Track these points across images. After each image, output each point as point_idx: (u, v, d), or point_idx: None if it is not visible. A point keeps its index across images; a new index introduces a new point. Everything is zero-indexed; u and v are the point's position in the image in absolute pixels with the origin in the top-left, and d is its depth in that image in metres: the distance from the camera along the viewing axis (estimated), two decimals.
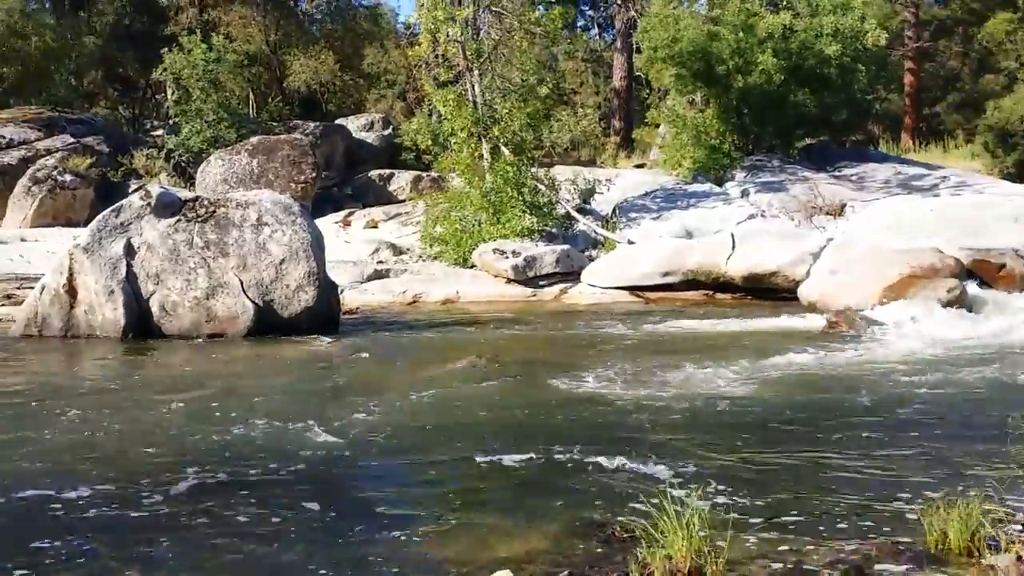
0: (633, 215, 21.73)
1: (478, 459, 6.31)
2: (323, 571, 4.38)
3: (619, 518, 4.96)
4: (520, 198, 20.04)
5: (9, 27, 31.29)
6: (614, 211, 21.93)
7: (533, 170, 21.12)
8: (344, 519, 5.23)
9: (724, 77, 24.25)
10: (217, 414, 7.87)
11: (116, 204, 13.58)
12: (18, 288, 17.09)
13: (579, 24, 41.88)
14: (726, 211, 21.36)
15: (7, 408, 8.26)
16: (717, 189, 23.29)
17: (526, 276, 18.19)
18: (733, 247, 17.52)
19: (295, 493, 5.69)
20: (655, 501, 4.55)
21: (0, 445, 6.89)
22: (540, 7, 22.34)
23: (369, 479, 6.17)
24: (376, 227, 24.50)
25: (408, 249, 21.62)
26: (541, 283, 18.28)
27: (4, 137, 26.90)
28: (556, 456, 6.34)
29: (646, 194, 23.12)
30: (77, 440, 7.05)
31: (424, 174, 27.93)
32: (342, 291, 15.38)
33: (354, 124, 32.70)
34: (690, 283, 17.63)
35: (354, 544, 4.79)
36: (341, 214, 25.80)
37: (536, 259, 18.39)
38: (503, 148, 20.74)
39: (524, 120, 20.72)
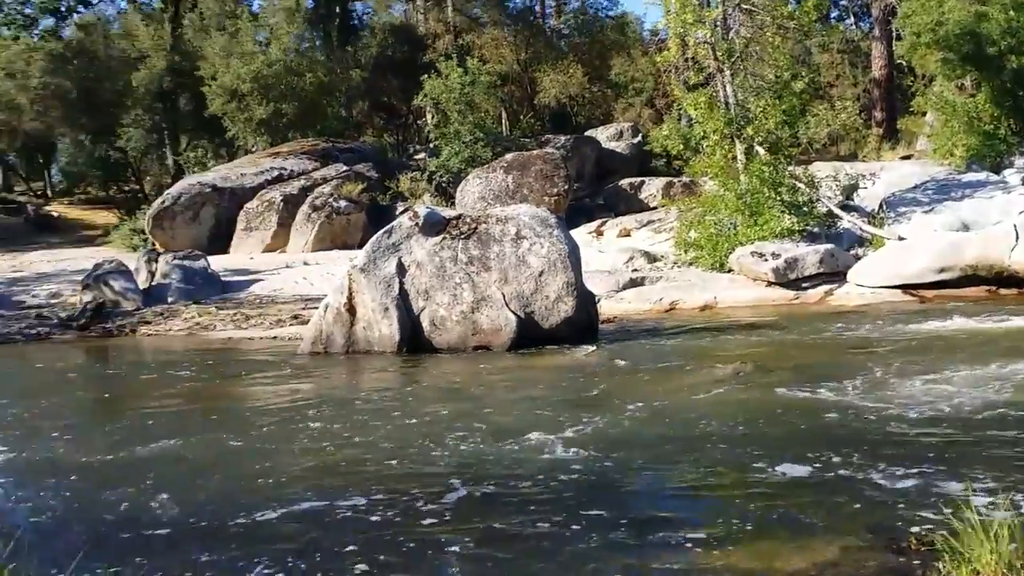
0: (902, 209, 20.45)
1: (755, 468, 6.13)
2: None
3: (913, 529, 4.65)
4: (777, 198, 19.37)
5: (287, 66, 33.94)
6: (880, 206, 20.74)
7: (790, 169, 20.36)
8: (630, 529, 5.21)
9: (996, 58, 22.42)
10: (484, 425, 8.12)
11: (387, 226, 14.35)
12: (303, 308, 18.46)
13: (833, 15, 40.19)
14: (1006, 200, 19.67)
15: (296, 418, 8.91)
16: (994, 177, 21.50)
17: (787, 278, 17.55)
18: (1017, 238, 16.13)
19: (571, 503, 5.74)
20: (952, 512, 4.23)
21: (287, 453, 7.44)
22: (792, 0, 21.46)
23: (647, 489, 6.14)
24: (629, 235, 24.51)
25: (662, 256, 21.47)
26: (804, 285, 17.57)
27: (286, 169, 29.22)
28: (836, 465, 6.06)
29: (915, 187, 21.71)
30: (354, 450, 7.49)
31: (675, 180, 27.68)
32: (598, 301, 15.48)
33: (603, 134, 32.97)
34: (969, 279, 16.40)
35: (647, 554, 4.76)
36: (594, 224, 26.02)
37: (798, 260, 17.71)
38: (758, 148, 20.15)
39: (779, 118, 20.02)
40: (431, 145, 32.04)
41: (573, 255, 13.47)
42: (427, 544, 5.15)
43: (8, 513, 6.20)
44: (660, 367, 11.21)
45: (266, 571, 4.86)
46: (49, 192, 44.64)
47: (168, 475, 6.93)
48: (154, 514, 5.97)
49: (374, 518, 5.67)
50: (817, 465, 6.08)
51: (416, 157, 32.76)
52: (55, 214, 38.42)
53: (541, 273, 13.15)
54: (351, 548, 5.14)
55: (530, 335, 12.95)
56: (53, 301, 21.42)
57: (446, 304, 13.20)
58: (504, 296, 13.10)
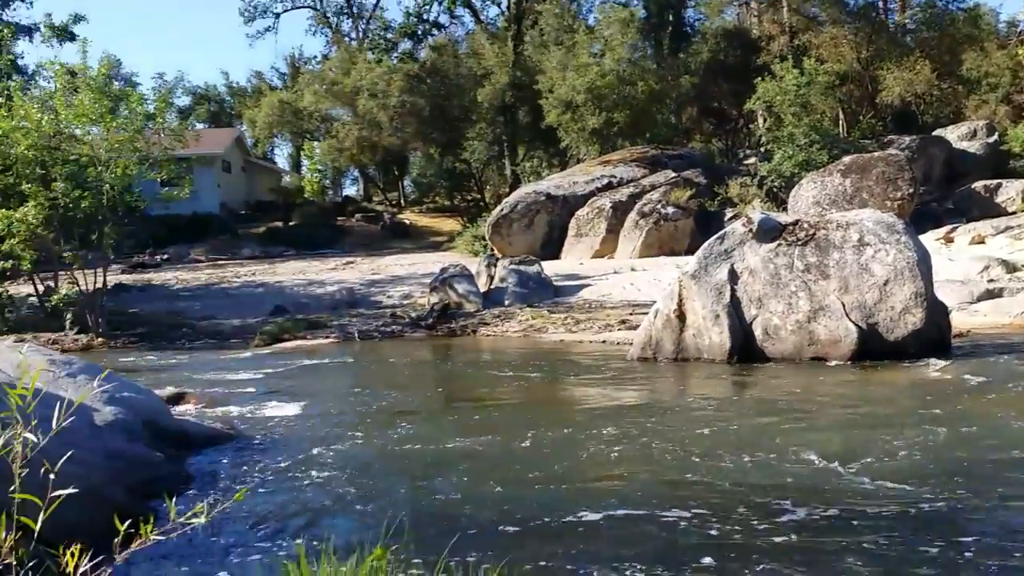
0: None
1: None
2: None
3: None
4: None
5: (619, 76, 34.47)
6: None
7: None
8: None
9: None
10: (815, 443, 7.67)
11: (719, 232, 14.07)
12: (631, 314, 18.59)
13: None
14: None
15: (623, 422, 8.90)
16: None
17: None
18: None
19: (931, 529, 5.26)
20: None
21: (612, 455, 7.41)
22: None
23: (990, 529, 5.48)
24: (983, 243, 22.43)
25: (1023, 265, 19.41)
26: None
27: (615, 176, 29.66)
28: None
29: None
30: (679, 456, 7.33)
31: None
32: (948, 313, 14.22)
33: (953, 134, 30.48)
34: None
35: None
36: (942, 230, 24.09)
37: None
38: None
39: None
40: (762, 149, 31.20)
41: (923, 263, 12.48)
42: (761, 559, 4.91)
43: (375, 499, 6.67)
44: (1021, 389, 10.05)
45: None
46: (402, 201, 48.46)
47: (500, 467, 7.17)
48: (492, 506, 6.18)
49: (704, 530, 5.50)
50: None
51: (746, 162, 32.04)
52: (407, 222, 41.60)
53: (886, 282, 12.29)
54: (692, 556, 5.01)
55: (872, 348, 12.14)
56: (405, 302, 23.15)
57: (780, 313, 12.70)
58: (844, 306, 12.39)
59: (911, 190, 24.29)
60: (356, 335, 19.24)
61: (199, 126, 49.89)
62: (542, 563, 5.08)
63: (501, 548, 5.14)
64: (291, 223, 40.66)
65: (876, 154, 25.80)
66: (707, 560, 5.05)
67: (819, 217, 14.11)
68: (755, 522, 5.64)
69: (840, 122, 32.88)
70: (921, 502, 5.89)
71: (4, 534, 3.19)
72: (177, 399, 11.16)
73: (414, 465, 7.59)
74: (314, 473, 7.49)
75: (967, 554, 4.95)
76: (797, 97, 28.12)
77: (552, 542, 5.47)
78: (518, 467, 7.34)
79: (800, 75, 28.17)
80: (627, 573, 4.90)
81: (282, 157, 63.70)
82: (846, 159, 25.62)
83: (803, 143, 27.66)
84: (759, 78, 29.14)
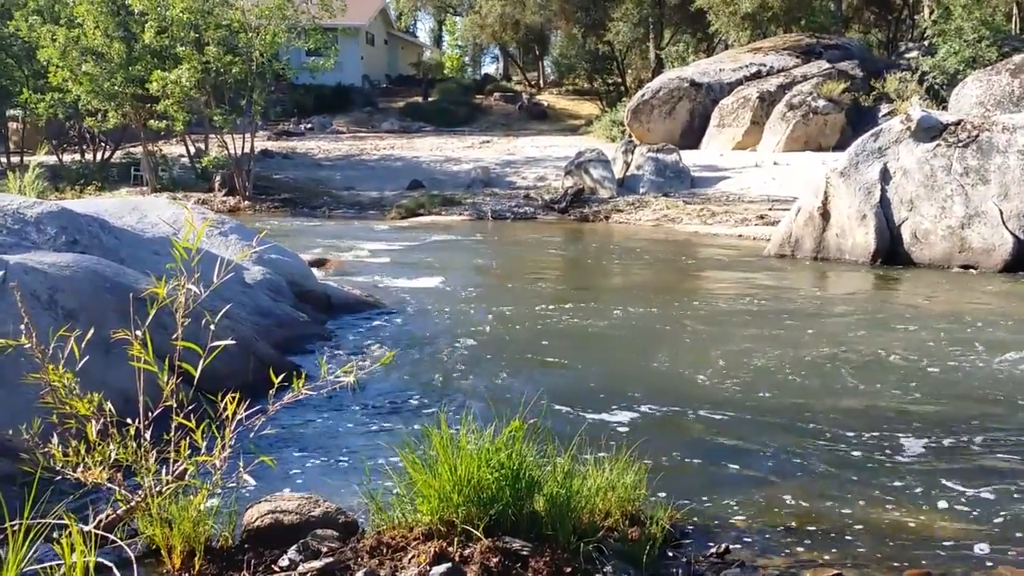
0: None
1: None
2: None
3: None
4: None
5: None
6: None
7: None
8: None
9: None
10: (969, 351, 7.39)
11: (875, 129, 13.43)
12: (769, 209, 18.09)
13: None
14: None
15: (770, 316, 8.75)
16: None
17: None
18: None
19: None
20: None
21: (745, 360, 7.31)
22: None
23: None
24: None
25: None
26: None
27: (765, 65, 28.47)
28: None
29: None
30: (820, 360, 7.18)
31: None
32: None
33: None
34: None
35: None
36: None
37: None
38: None
39: None
40: (926, 43, 29.33)
41: None
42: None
43: (511, 373, 6.80)
44: None
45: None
46: (541, 82, 47.85)
47: (633, 353, 7.19)
48: (624, 390, 6.22)
49: (839, 442, 5.42)
50: None
51: (907, 56, 30.18)
52: (545, 103, 41.15)
53: None
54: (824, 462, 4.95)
55: None
56: (539, 184, 23.11)
57: (932, 217, 12.14)
58: (1002, 213, 11.74)
59: None
60: (489, 214, 19.38)
61: None
62: (673, 454, 5.10)
63: (630, 434, 5.18)
64: (430, 99, 40.77)
65: None
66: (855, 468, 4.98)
67: (983, 118, 13.28)
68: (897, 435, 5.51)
69: (1014, 17, 30.51)
70: None
71: (166, 379, 3.38)
72: (319, 264, 11.53)
73: (547, 344, 7.68)
74: (450, 344, 7.66)
75: None
76: None
77: (674, 427, 5.49)
78: (648, 355, 7.34)
79: None
80: (742, 459, 4.89)
81: (424, 32, 63.70)
82: (1016, 58, 23.84)
83: (971, 38, 25.83)
84: None
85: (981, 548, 3.91)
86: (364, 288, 9.89)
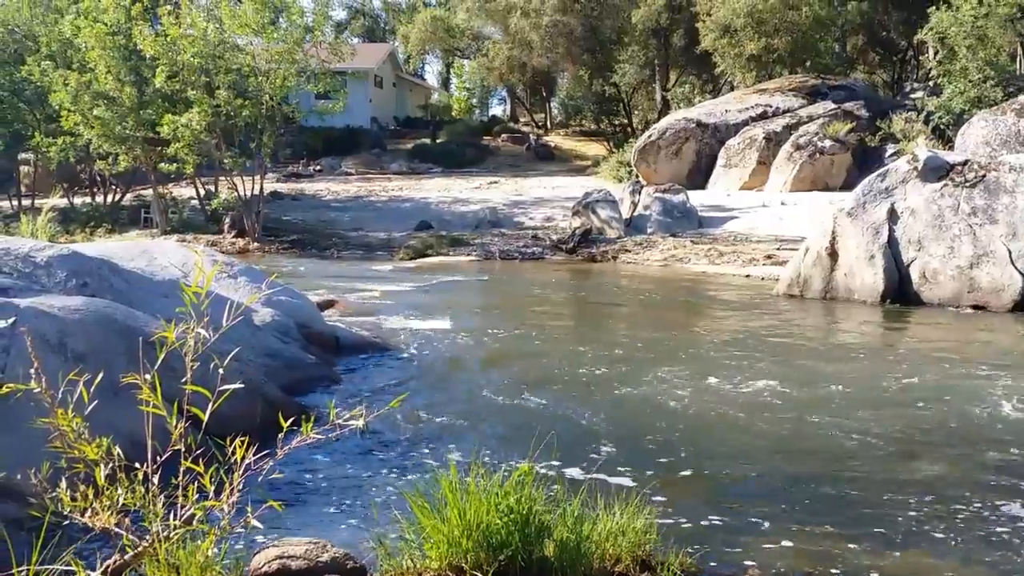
0: None
1: None
2: None
3: None
4: None
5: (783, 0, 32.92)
6: None
7: None
8: None
9: None
10: (980, 391, 7.35)
11: (881, 169, 13.48)
12: (778, 249, 18.09)
13: None
14: None
15: (779, 356, 8.73)
16: None
17: None
18: None
19: None
20: None
21: (756, 403, 7.28)
22: None
23: None
24: None
25: None
26: None
27: (771, 106, 28.64)
28: None
29: None
30: (826, 408, 7.14)
31: None
32: None
33: None
34: None
35: None
36: None
37: None
38: None
39: None
40: (931, 84, 29.51)
41: None
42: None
43: (518, 417, 6.78)
44: None
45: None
46: (548, 123, 48.16)
47: (641, 396, 7.16)
48: (632, 432, 6.20)
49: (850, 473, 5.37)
50: None
51: (912, 96, 30.31)
52: (552, 144, 41.39)
53: None
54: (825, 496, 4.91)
55: None
56: (546, 224, 23.18)
57: (940, 256, 12.12)
58: (1010, 253, 11.72)
59: None
60: (497, 254, 19.43)
61: (354, 41, 50.58)
62: (684, 499, 5.07)
63: (641, 479, 5.14)
64: (438, 140, 41.07)
65: None
66: (850, 509, 4.94)
67: (990, 158, 13.30)
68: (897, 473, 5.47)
69: (1019, 58, 30.66)
70: None
71: (175, 423, 3.37)
72: (327, 305, 11.54)
73: (557, 388, 7.65)
74: (459, 387, 7.65)
75: None
76: (973, 28, 26.31)
77: (684, 471, 5.45)
78: (658, 398, 7.31)
79: (979, 4, 26.33)
80: (752, 502, 4.85)
81: (432, 75, 64.22)
82: (1022, 97, 23.95)
83: (976, 79, 25.96)
84: (933, 7, 27.36)
85: None
86: (372, 329, 9.90)
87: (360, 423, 3.25)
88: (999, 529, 4.58)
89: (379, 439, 5.96)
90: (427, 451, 5.75)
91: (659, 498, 4.74)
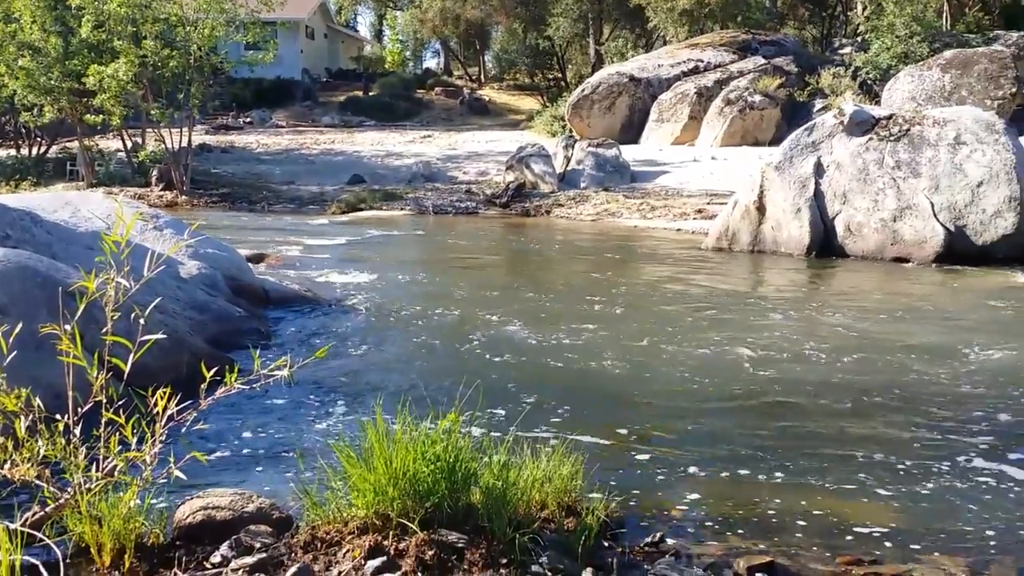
0: None
1: None
2: None
3: None
4: None
5: None
6: None
7: None
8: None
9: None
10: (895, 339, 7.57)
11: (809, 123, 13.66)
12: (708, 203, 18.29)
13: None
14: None
15: (704, 308, 8.88)
16: None
17: None
18: None
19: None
20: None
21: (679, 352, 7.41)
22: None
23: None
24: None
25: None
26: None
27: (703, 61, 28.79)
28: None
29: None
30: (746, 350, 7.30)
31: None
32: None
33: None
34: None
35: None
36: None
37: None
38: None
39: None
40: (859, 39, 29.90)
41: (1021, 166, 11.98)
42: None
43: (446, 368, 6.80)
44: None
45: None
46: (482, 77, 47.80)
47: (567, 347, 7.23)
48: (557, 383, 6.28)
49: (757, 419, 5.51)
50: None
51: (841, 52, 30.68)
52: (486, 98, 41.13)
53: (980, 184, 11.86)
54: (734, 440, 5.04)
55: (958, 251, 11.81)
56: (480, 179, 23.10)
57: (865, 209, 12.38)
58: (933, 206, 12.02)
59: (1014, 89, 23.15)
60: (430, 209, 19.33)
61: None
62: (601, 440, 5.15)
63: (568, 427, 5.21)
64: (371, 93, 40.51)
65: (980, 50, 24.55)
66: (757, 448, 5.07)
67: (915, 112, 13.58)
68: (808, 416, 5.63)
69: (944, 14, 31.19)
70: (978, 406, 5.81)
71: (96, 374, 3.33)
72: (257, 259, 11.41)
73: (485, 338, 7.68)
74: (388, 338, 7.66)
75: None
76: None
77: (611, 420, 5.53)
78: (583, 349, 7.39)
79: None
80: (678, 450, 4.96)
81: (364, 26, 63.18)
82: (947, 54, 24.44)
83: (903, 34, 26.38)
84: None
85: (913, 535, 4.00)
86: (303, 283, 9.82)
87: (285, 373, 3.24)
88: (920, 468, 4.74)
89: (307, 390, 5.95)
90: (355, 402, 5.76)
91: (588, 447, 4.82)
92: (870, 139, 12.65)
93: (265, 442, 5.05)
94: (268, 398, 5.69)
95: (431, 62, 57.85)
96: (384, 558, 3.21)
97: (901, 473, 4.70)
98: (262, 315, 8.17)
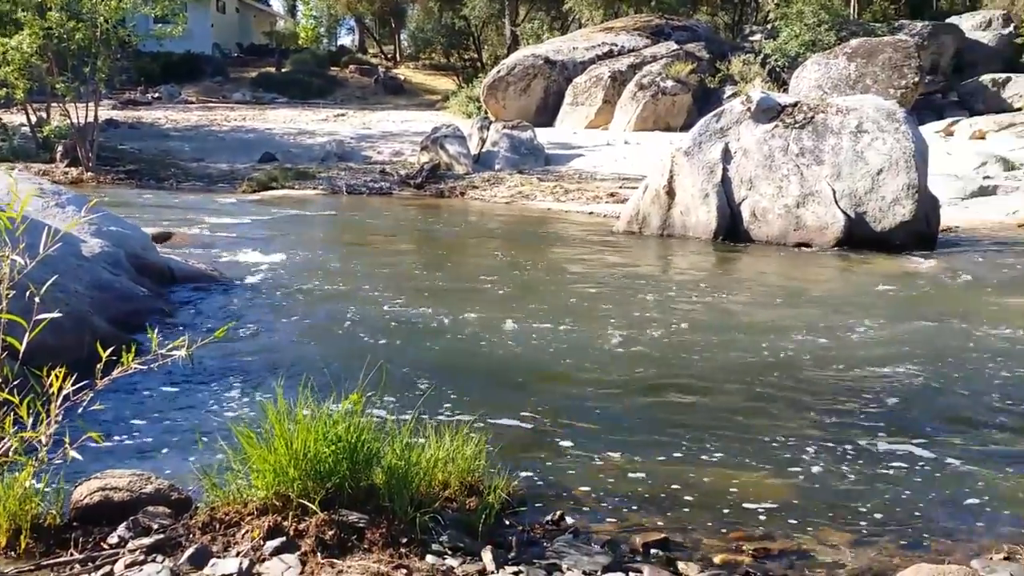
0: None
1: None
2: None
3: None
4: None
5: None
6: None
7: None
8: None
9: None
10: (789, 321, 7.82)
11: (717, 109, 13.91)
12: (620, 187, 18.52)
13: None
14: None
15: (609, 292, 9.03)
16: None
17: None
18: None
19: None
20: None
21: (592, 318, 7.54)
22: None
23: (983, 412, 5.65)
24: (983, 138, 22.21)
25: (1021, 164, 19.28)
26: None
27: (617, 45, 29.03)
28: None
29: None
30: (645, 329, 7.47)
31: None
32: (939, 207, 14.20)
33: (967, 23, 29.79)
34: None
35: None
36: (943, 123, 23.81)
37: None
38: None
39: None
40: (769, 27, 30.50)
41: (919, 155, 12.39)
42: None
43: (352, 348, 6.79)
44: (1007, 287, 10.05)
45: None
46: (398, 56, 47.38)
47: (478, 328, 7.29)
48: (464, 365, 6.33)
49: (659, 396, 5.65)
50: None
51: (751, 39, 31.26)
52: (402, 77, 40.82)
53: (880, 171, 12.25)
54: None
55: (858, 236, 12.18)
56: (395, 159, 22.94)
57: (770, 195, 12.69)
58: (835, 192, 12.37)
59: (916, 79, 23.91)
60: (344, 189, 19.15)
61: None
62: (505, 421, 5.22)
63: (472, 407, 5.26)
64: (284, 70, 39.86)
65: (885, 39, 25.26)
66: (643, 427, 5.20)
67: (820, 100, 13.94)
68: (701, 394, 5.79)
69: (852, 3, 32.01)
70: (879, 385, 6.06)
71: None
72: (163, 237, 11.18)
73: (392, 318, 7.70)
74: (294, 319, 7.61)
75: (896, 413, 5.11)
76: None
77: (514, 401, 5.60)
78: (488, 330, 7.44)
79: None
80: (580, 431, 5.06)
81: (277, 1, 62.00)
82: (853, 42, 25.11)
83: (811, 22, 27.00)
84: None
85: (801, 510, 4.16)
86: (210, 262, 9.66)
87: (183, 353, 3.21)
88: (813, 445, 4.93)
89: (210, 371, 5.89)
90: (258, 382, 5.73)
91: (492, 428, 4.88)
92: (776, 126, 12.95)
93: (166, 424, 4.99)
94: (171, 379, 5.62)
95: (346, 39, 57.18)
96: (283, 538, 3.23)
97: (791, 452, 4.88)
98: (167, 295, 8.04)
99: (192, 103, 33.29)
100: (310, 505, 3.33)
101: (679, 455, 4.79)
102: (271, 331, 7.18)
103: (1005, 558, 3.70)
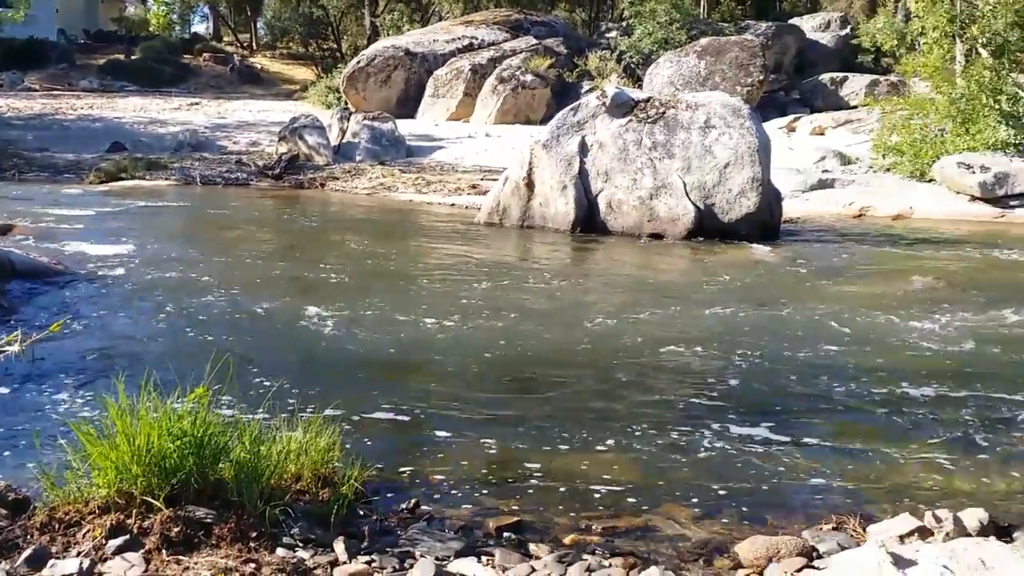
0: None
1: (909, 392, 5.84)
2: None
3: None
4: (996, 107, 17.89)
5: None
6: None
7: (1015, 76, 18.71)
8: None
9: None
10: (635, 309, 8.07)
11: (574, 103, 14.16)
12: (482, 179, 18.63)
13: None
14: None
15: (466, 281, 9.10)
16: None
17: (994, 194, 16.30)
18: None
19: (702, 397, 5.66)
20: None
21: (442, 320, 7.60)
22: None
23: (852, 398, 5.94)
24: (823, 134, 23.33)
25: (857, 159, 20.33)
26: (1012, 203, 16.29)
27: (477, 38, 29.17)
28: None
29: None
30: (500, 316, 7.60)
31: (882, 78, 26.05)
32: (782, 199, 14.87)
33: (808, 24, 31.20)
34: None
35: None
36: (786, 119, 24.89)
37: (1009, 176, 16.37)
38: (981, 50, 18.58)
39: (1010, 18, 18.29)
40: (624, 24, 31.20)
41: (763, 150, 12.93)
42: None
43: (199, 342, 6.64)
44: (844, 274, 10.65)
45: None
46: (254, 44, 46.26)
47: (332, 317, 7.25)
48: (318, 356, 6.29)
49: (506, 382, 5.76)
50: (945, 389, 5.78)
51: (607, 36, 31.92)
52: (258, 66, 39.90)
53: (727, 165, 12.72)
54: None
55: (707, 228, 12.63)
56: (252, 149, 22.44)
57: (625, 188, 13.01)
58: (685, 185, 12.78)
59: (761, 77, 24.89)
60: (198, 179, 18.62)
61: None
62: (359, 413, 5.22)
63: (326, 398, 5.23)
64: (134, 57, 38.37)
65: (733, 38, 26.20)
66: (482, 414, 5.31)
67: (671, 96, 14.36)
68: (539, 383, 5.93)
69: (702, 2, 33.05)
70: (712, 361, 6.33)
71: None
72: (4, 230, 10.67)
73: (242, 311, 7.57)
74: (140, 314, 7.41)
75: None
76: None
77: (369, 392, 5.60)
78: (343, 322, 7.41)
79: None
80: (435, 419, 5.11)
81: None
82: (703, 41, 25.94)
83: (664, 20, 27.76)
84: None
85: (647, 489, 4.32)
86: (54, 255, 9.27)
87: (16, 348, 3.10)
88: (660, 436, 5.11)
89: (50, 368, 5.66)
90: (99, 378, 5.54)
91: (346, 420, 4.87)
92: (630, 120, 13.28)
93: (3, 423, 4.77)
94: (8, 378, 5.37)
95: (200, 27, 55.42)
96: (127, 536, 3.16)
97: (639, 434, 5.05)
98: (6, 289, 7.67)
99: (36, 91, 31.71)
100: (154, 502, 3.27)
101: (534, 440, 4.89)
102: (116, 326, 6.95)
103: (834, 528, 3.94)
